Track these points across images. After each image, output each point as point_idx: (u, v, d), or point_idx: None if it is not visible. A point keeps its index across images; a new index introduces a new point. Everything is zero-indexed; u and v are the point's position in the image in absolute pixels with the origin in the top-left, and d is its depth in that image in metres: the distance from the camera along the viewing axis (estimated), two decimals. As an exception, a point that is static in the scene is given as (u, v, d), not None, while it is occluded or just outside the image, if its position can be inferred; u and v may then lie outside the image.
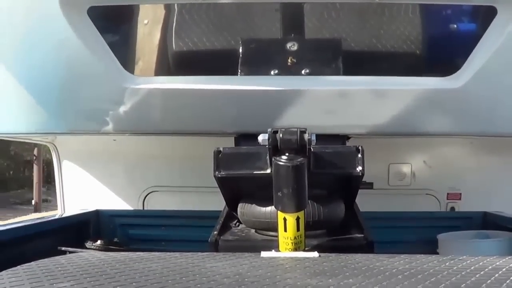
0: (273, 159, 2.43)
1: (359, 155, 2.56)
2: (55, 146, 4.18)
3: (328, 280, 1.79)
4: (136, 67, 3.30)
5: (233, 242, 2.78)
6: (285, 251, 2.43)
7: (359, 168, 2.56)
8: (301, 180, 2.39)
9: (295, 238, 2.41)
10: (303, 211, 2.42)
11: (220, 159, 2.62)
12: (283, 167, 2.38)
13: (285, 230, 2.41)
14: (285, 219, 2.40)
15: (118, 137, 3.85)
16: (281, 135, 2.45)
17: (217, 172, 2.62)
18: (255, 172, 2.57)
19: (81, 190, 4.24)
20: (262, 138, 2.50)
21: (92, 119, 3.35)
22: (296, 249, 2.41)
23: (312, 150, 2.50)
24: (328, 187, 2.80)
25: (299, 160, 2.40)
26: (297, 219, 2.39)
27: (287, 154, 2.43)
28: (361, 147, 2.58)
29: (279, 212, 2.42)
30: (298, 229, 2.40)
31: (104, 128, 3.35)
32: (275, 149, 2.45)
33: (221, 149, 2.63)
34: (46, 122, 3.38)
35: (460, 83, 3.00)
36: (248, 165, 2.58)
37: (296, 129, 2.46)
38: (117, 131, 3.45)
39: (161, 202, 4.20)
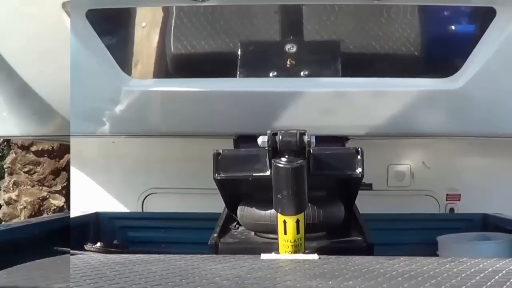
0: (272, 161, 2.41)
1: (359, 157, 2.54)
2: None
3: (328, 282, 1.79)
4: (134, 69, 3.29)
5: (232, 244, 2.76)
6: (285, 254, 2.42)
7: (359, 170, 2.54)
8: (301, 182, 2.38)
9: (295, 241, 2.40)
10: (303, 213, 2.41)
11: (220, 161, 2.61)
12: (283, 169, 2.37)
13: (285, 233, 2.40)
14: (285, 222, 2.39)
15: (116, 139, 3.85)
16: (280, 137, 2.43)
17: (216, 175, 2.60)
18: (254, 174, 2.56)
19: (80, 192, 4.24)
20: (261, 140, 2.48)
21: (90, 121, 3.35)
22: (296, 251, 2.40)
23: (311, 152, 2.49)
24: (328, 189, 2.79)
25: (298, 162, 2.39)
26: (297, 221, 2.38)
27: (286, 156, 2.42)
28: (361, 148, 2.56)
29: (279, 214, 2.41)
30: (298, 232, 2.39)
31: (103, 130, 3.35)
32: (275, 151, 2.44)
33: (221, 151, 2.62)
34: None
35: (459, 84, 3.00)
36: (248, 167, 2.57)
37: (295, 131, 2.44)
38: (116, 133, 3.45)
39: (160, 204, 4.19)
